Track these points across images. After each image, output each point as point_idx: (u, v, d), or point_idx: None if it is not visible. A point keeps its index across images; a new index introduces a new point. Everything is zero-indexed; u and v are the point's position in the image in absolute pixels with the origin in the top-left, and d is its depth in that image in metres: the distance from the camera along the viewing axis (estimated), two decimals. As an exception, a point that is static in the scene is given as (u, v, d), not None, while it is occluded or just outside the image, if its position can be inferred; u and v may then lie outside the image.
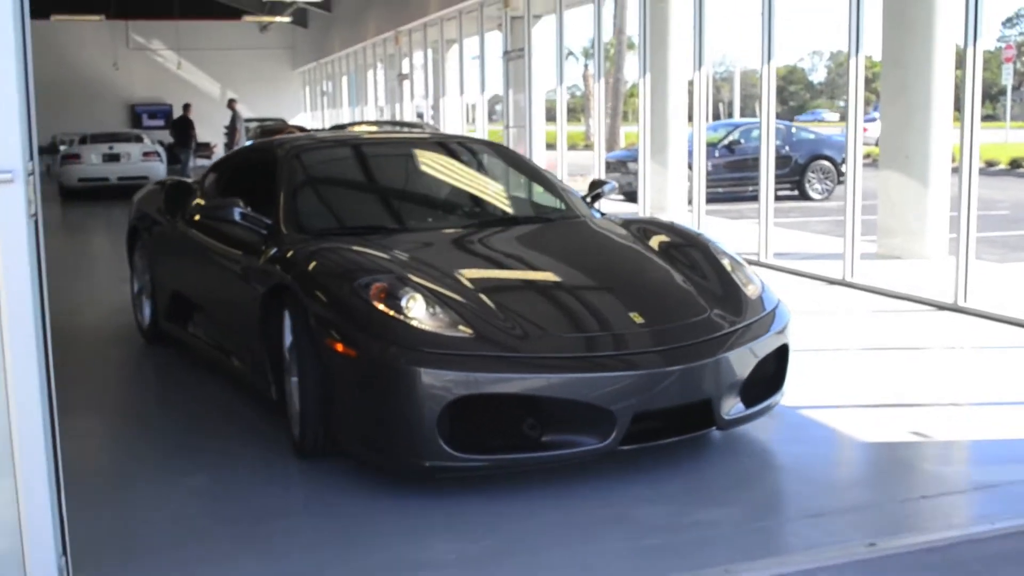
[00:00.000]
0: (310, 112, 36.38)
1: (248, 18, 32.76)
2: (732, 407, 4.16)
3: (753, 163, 17.32)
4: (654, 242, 4.91)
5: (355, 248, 4.45)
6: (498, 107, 16.87)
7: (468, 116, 20.51)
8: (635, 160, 13.85)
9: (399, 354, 3.73)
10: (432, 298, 3.95)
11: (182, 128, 23.07)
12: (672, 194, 14.15)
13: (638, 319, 4.11)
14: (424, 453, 3.72)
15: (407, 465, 3.84)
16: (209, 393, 5.56)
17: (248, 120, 29.24)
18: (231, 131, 23.29)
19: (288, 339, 4.35)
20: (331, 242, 4.57)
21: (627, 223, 5.30)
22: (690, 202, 11.47)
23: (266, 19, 33.21)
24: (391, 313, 3.86)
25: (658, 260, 4.71)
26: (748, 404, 4.25)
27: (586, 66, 44.63)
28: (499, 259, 4.83)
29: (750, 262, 8.79)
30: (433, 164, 5.94)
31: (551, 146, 15.79)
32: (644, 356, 3.95)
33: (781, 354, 4.47)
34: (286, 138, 6.12)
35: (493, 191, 5.83)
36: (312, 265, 4.31)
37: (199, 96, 36.42)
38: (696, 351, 4.02)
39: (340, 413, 4.01)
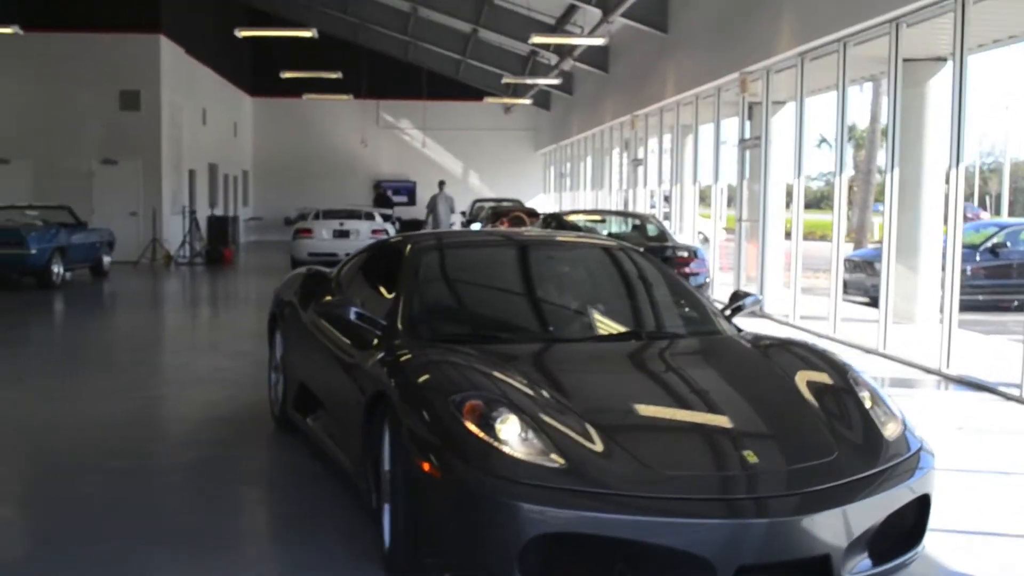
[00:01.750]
0: (551, 193, 36.27)
1: (490, 100, 33.09)
2: (858, 563, 3.76)
3: (1021, 269, 15.52)
4: (787, 365, 4.56)
5: (462, 359, 4.29)
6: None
7: (702, 202, 19.41)
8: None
9: (480, 480, 3.55)
10: (529, 421, 3.74)
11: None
12: (922, 302, 12.56)
13: (752, 458, 3.77)
14: None
15: None
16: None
17: (484, 200, 29.36)
18: (431, 211, 24.33)
19: (386, 450, 4.20)
20: (441, 349, 4.45)
21: (760, 341, 4.98)
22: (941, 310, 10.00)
23: (509, 101, 33.48)
24: (480, 434, 3.68)
25: (788, 388, 4.36)
26: (877, 561, 3.84)
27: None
28: (618, 379, 4.53)
29: (1009, 397, 7.40)
30: (568, 269, 5.77)
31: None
32: (751, 503, 3.61)
33: (922, 504, 4.01)
34: (416, 235, 6.08)
35: (630, 302, 5.58)
36: (413, 374, 4.19)
37: (442, 174, 37.21)
38: (815, 499, 3.65)
39: (427, 536, 3.83)
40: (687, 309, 5.47)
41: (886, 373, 9.45)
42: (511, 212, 19.53)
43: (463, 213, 29.34)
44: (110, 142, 23.35)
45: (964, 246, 12.34)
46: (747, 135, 15.41)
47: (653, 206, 21.63)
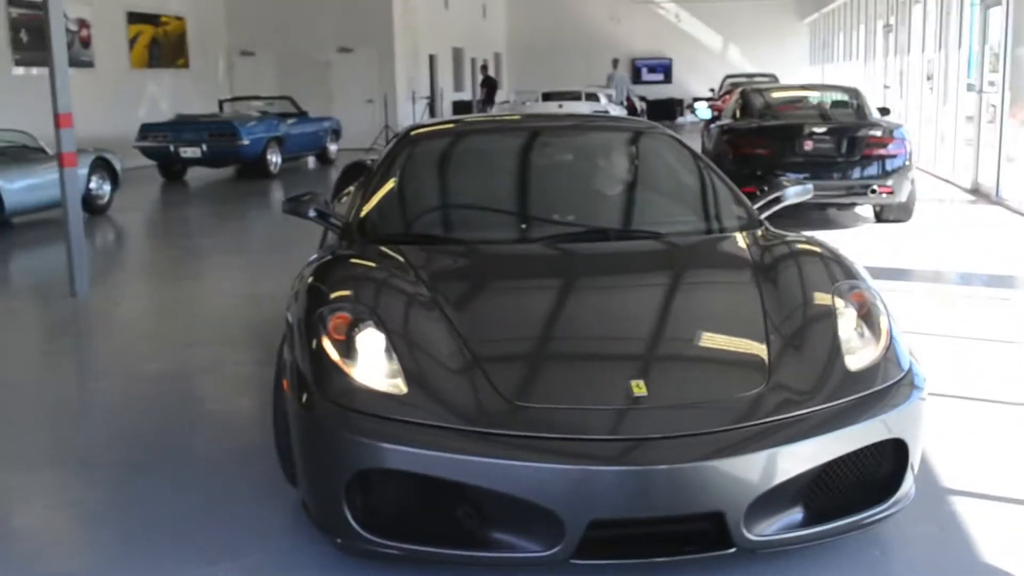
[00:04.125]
0: (811, 66, 33.76)
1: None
2: (778, 521, 3.09)
3: None
4: (768, 274, 3.83)
5: (375, 263, 3.96)
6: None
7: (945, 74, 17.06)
8: None
9: (314, 404, 3.19)
10: (393, 340, 3.31)
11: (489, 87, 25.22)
12: None
13: (639, 390, 3.15)
14: (334, 528, 3.15)
15: (329, 538, 3.22)
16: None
17: (735, 76, 27.63)
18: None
19: None
20: (370, 250, 4.11)
21: (764, 242, 4.17)
22: None
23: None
24: (330, 353, 3.28)
25: (743, 305, 3.67)
26: (814, 518, 3.14)
27: None
28: (536, 290, 3.97)
29: None
30: (569, 159, 5.08)
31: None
32: (614, 445, 3.00)
33: (897, 451, 3.26)
34: (418, 124, 5.36)
35: (624, 195, 4.87)
36: (312, 279, 3.77)
37: (698, 49, 35.47)
38: (707, 443, 2.98)
39: (287, 455, 3.56)
40: (702, 205, 4.72)
41: None
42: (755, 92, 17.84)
43: (711, 90, 27.85)
44: (346, 32, 23.76)
45: None
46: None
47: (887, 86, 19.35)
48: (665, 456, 2.92)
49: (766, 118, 11.27)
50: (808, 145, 10.25)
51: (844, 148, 10.17)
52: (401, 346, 3.31)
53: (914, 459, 3.31)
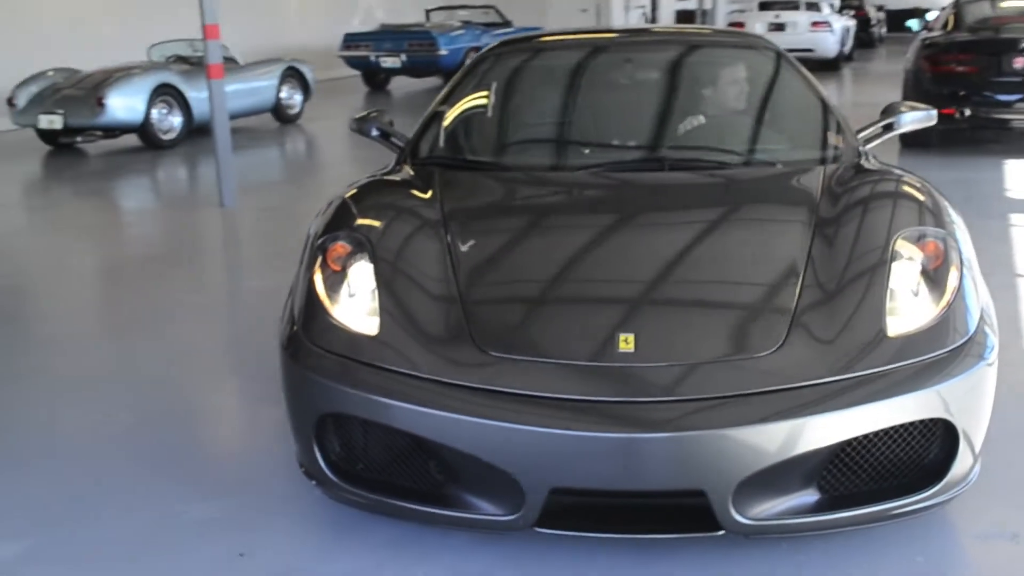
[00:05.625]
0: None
1: None
2: (779, 505, 2.72)
3: None
4: (836, 216, 3.30)
5: (397, 188, 3.77)
6: None
7: None
8: None
9: (290, 340, 3.07)
10: (382, 272, 3.12)
11: None
12: None
13: (626, 345, 2.80)
14: (311, 471, 3.03)
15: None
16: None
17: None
18: None
19: None
20: (418, 171, 3.91)
21: (854, 179, 3.60)
22: None
23: None
24: (316, 287, 3.13)
25: (786, 252, 3.16)
26: (835, 503, 2.76)
27: None
28: (560, 227, 3.57)
29: None
30: (655, 76, 4.60)
31: None
32: (583, 406, 2.67)
33: (947, 432, 2.79)
34: (509, 39, 4.97)
35: (705, 119, 4.27)
36: (339, 200, 3.61)
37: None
38: (686, 411, 2.63)
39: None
40: (789, 133, 4.21)
41: None
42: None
43: None
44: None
45: None
46: None
47: None
48: (632, 423, 2.59)
49: (978, 31, 10.07)
50: (1019, 62, 9.10)
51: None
52: (390, 282, 3.10)
53: (970, 441, 2.81)
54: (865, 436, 2.71)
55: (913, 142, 9.87)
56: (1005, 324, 4.34)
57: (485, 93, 4.55)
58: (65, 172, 10.40)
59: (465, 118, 4.44)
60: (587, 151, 4.14)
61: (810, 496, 2.76)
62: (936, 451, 2.81)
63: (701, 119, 4.27)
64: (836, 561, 2.84)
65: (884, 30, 29.19)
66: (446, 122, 4.35)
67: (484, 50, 4.81)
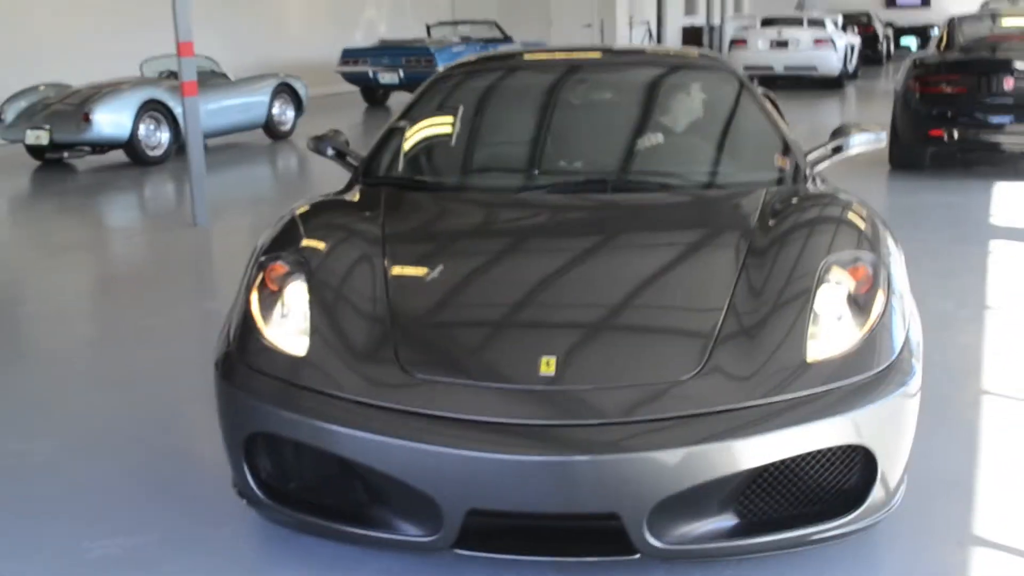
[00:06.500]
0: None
1: None
2: (697, 529, 2.72)
3: None
4: (767, 241, 3.29)
5: (344, 207, 3.82)
6: None
7: None
8: None
9: (222, 357, 3.10)
10: (316, 294, 3.13)
11: None
12: None
13: (547, 368, 2.82)
14: (241, 487, 3.04)
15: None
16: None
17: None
18: None
19: None
20: (359, 192, 3.96)
21: (790, 201, 3.61)
22: None
23: None
24: (251, 306, 3.15)
25: (711, 277, 3.18)
26: (751, 528, 2.75)
27: None
28: (489, 250, 3.55)
29: None
30: (608, 97, 4.62)
31: None
32: (501, 429, 2.68)
33: (865, 460, 2.79)
34: (460, 61, 4.92)
35: (649, 141, 4.29)
36: (287, 218, 3.67)
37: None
38: (602, 436, 2.64)
39: None
40: (732, 154, 4.24)
41: None
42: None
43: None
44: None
45: None
46: None
47: None
48: (549, 446, 2.62)
49: (969, 51, 9.90)
50: (1010, 83, 8.96)
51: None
52: (323, 303, 3.13)
53: (890, 467, 2.80)
54: (782, 461, 2.72)
55: (905, 164, 9.75)
56: (967, 359, 4.25)
57: (437, 115, 4.55)
58: (49, 188, 10.37)
59: (416, 139, 4.44)
60: (534, 172, 4.15)
61: (728, 521, 2.76)
62: (855, 477, 2.81)
63: (649, 141, 4.28)
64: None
65: (892, 47, 29.05)
66: (398, 143, 4.36)
67: (440, 71, 4.79)
